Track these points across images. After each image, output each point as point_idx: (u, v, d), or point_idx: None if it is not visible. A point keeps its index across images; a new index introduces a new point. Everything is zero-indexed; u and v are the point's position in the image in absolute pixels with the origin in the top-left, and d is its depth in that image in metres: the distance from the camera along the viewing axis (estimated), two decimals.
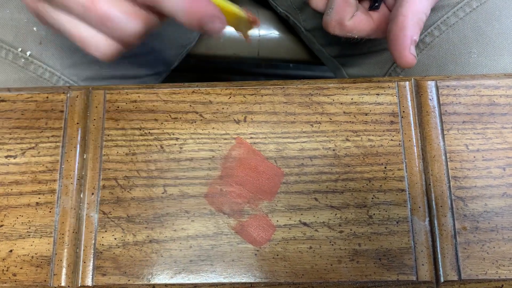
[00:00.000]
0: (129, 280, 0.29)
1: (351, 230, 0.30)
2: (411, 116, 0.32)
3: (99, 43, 0.24)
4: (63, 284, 0.30)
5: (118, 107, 0.33)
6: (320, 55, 0.50)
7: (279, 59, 0.62)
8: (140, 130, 0.32)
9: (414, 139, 0.31)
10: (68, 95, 0.33)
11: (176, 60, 0.48)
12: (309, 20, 0.47)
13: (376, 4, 0.36)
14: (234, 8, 0.29)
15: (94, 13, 0.23)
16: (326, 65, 0.52)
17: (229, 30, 0.62)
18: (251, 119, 0.32)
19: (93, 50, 0.25)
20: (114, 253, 0.30)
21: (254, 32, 0.61)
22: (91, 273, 0.30)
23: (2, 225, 0.31)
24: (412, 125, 0.32)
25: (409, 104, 0.32)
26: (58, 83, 0.37)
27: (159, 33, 0.43)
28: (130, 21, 0.23)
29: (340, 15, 0.33)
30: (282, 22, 0.57)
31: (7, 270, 0.30)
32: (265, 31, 0.60)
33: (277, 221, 0.30)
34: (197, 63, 1.05)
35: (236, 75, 1.12)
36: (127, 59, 0.41)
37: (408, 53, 0.30)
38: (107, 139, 0.32)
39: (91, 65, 0.38)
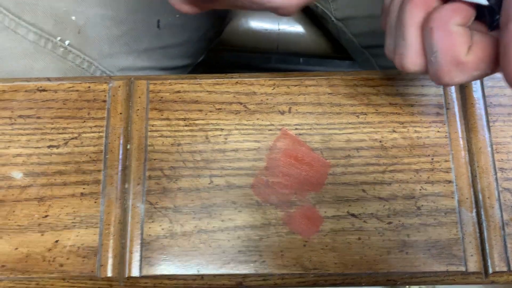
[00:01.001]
0: (178, 271, 0.29)
1: (399, 221, 0.30)
2: (456, 107, 0.32)
3: None
4: (110, 275, 0.29)
5: (161, 97, 0.32)
6: (349, 46, 0.50)
7: (298, 52, 0.62)
8: (184, 120, 0.32)
9: (459, 131, 0.31)
10: (110, 85, 0.33)
11: (203, 53, 0.48)
12: (342, 9, 0.47)
13: (497, 17, 0.22)
14: None
15: None
16: (353, 56, 0.52)
17: (249, 24, 0.62)
18: (296, 110, 0.32)
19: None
20: (162, 243, 0.30)
21: (274, 25, 0.60)
22: (138, 264, 0.29)
23: (47, 216, 0.30)
24: (458, 117, 0.32)
25: (454, 96, 0.32)
26: (96, 73, 0.37)
27: (191, 24, 0.42)
28: None
29: (452, 53, 0.22)
30: (304, 14, 0.57)
31: (53, 261, 0.30)
32: (285, 25, 0.60)
33: (325, 212, 0.30)
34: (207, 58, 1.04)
35: (244, 69, 1.12)
36: (161, 50, 0.40)
37: None
38: (151, 129, 0.32)
39: (127, 55, 0.38)
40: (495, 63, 0.22)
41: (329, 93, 0.32)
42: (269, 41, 0.61)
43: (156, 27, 0.39)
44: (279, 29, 0.60)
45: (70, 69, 0.36)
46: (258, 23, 0.60)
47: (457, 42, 0.21)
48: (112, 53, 0.37)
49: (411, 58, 0.23)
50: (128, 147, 0.32)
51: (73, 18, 0.34)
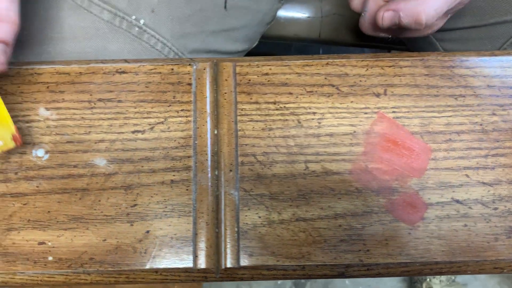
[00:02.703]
0: (278, 261, 0.28)
1: (505, 206, 0.29)
2: None
3: None
4: (206, 266, 0.28)
5: (249, 80, 0.31)
6: None
7: (340, 41, 0.60)
8: (275, 104, 0.30)
9: None
10: (195, 67, 0.31)
11: (258, 38, 0.46)
12: None
13: None
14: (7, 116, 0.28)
15: None
16: (407, 41, 0.50)
17: (290, 12, 0.60)
18: (392, 92, 0.31)
19: None
20: (259, 232, 0.28)
21: (317, 12, 0.59)
22: (236, 254, 0.28)
23: (135, 205, 0.29)
24: None
25: None
26: (169, 55, 0.35)
27: (252, 6, 0.41)
28: None
29: (373, 18, 0.36)
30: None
31: (145, 252, 0.28)
32: (328, 11, 0.58)
33: (429, 198, 0.29)
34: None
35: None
36: (225, 32, 0.39)
37: None
38: (241, 114, 0.30)
39: (196, 36, 0.36)
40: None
41: (425, 75, 0.31)
42: (311, 29, 0.59)
43: (223, 8, 0.37)
44: (322, 15, 0.58)
45: (144, 51, 0.34)
46: (300, 10, 0.58)
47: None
48: (183, 34, 0.35)
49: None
50: (216, 132, 0.30)
51: None
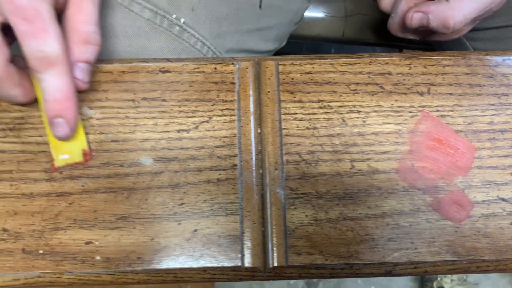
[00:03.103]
0: (326, 260, 0.28)
1: None
2: None
3: None
4: (254, 265, 0.28)
5: (292, 79, 0.31)
6: None
7: (363, 41, 0.60)
8: (318, 102, 0.30)
9: None
10: (237, 66, 0.31)
11: (287, 38, 0.46)
12: None
13: None
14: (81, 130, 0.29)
15: None
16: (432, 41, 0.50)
17: (314, 11, 0.60)
18: (435, 90, 0.31)
19: None
20: (307, 231, 0.28)
21: (341, 11, 0.59)
22: (284, 253, 0.28)
23: (182, 203, 0.29)
24: None
25: None
26: (208, 54, 0.35)
27: (284, 6, 0.41)
28: None
29: (402, 19, 0.37)
30: (374, 1, 0.55)
31: (193, 251, 0.28)
32: (352, 11, 0.58)
33: (474, 197, 0.29)
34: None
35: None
36: (258, 32, 0.39)
37: None
38: (284, 112, 0.30)
39: (232, 36, 0.36)
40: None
41: (468, 73, 0.31)
42: (335, 28, 0.59)
43: (258, 7, 0.37)
44: (346, 15, 0.58)
45: (184, 50, 0.34)
46: (324, 10, 0.58)
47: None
48: (220, 33, 0.35)
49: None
50: (259, 131, 0.30)
51: None
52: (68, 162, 0.29)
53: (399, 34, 0.41)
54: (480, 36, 0.42)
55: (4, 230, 0.28)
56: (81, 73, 0.26)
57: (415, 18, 0.36)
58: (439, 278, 1.02)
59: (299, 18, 0.46)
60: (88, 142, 0.29)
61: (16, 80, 0.26)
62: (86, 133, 0.30)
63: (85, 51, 0.26)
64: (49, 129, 0.28)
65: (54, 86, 0.25)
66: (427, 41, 0.42)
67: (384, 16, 0.45)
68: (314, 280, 1.02)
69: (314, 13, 0.59)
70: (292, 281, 1.02)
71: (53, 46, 0.23)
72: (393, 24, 0.40)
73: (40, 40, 0.23)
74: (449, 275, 1.03)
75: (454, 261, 0.28)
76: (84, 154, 0.29)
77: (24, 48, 0.24)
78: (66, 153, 0.29)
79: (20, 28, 0.23)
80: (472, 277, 1.04)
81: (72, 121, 0.27)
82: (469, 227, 0.28)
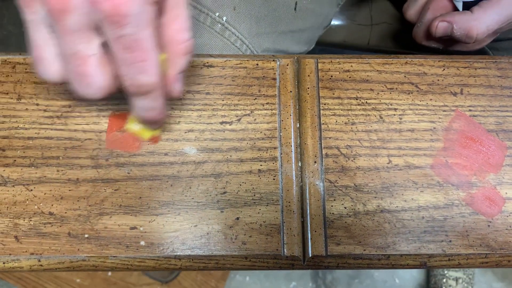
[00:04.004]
0: (364, 250, 0.29)
1: None
2: None
3: None
4: (294, 253, 0.29)
5: (331, 76, 0.32)
6: None
7: (386, 50, 0.62)
8: (356, 99, 0.32)
9: None
10: (278, 63, 0.32)
11: (315, 41, 0.47)
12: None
13: None
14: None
15: None
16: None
17: (340, 19, 0.61)
18: (468, 91, 0.32)
19: None
20: (345, 222, 0.29)
21: (367, 20, 0.60)
22: (323, 243, 0.29)
23: (225, 192, 0.30)
24: None
25: None
26: (246, 52, 0.36)
27: (317, 10, 0.42)
28: None
29: (428, 28, 0.39)
30: (398, 10, 0.57)
31: (235, 238, 0.29)
32: (379, 19, 0.59)
33: (506, 193, 0.30)
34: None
35: None
36: (291, 34, 0.40)
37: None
38: (324, 108, 0.31)
39: (269, 36, 0.37)
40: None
41: (499, 76, 0.32)
42: (361, 35, 0.60)
43: (293, 9, 0.39)
44: (372, 23, 0.59)
45: (225, 47, 0.35)
46: (351, 17, 0.60)
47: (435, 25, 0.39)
48: (258, 32, 0.36)
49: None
50: (298, 125, 0.31)
51: None
52: (135, 133, 0.30)
53: (423, 43, 0.43)
54: (503, 46, 0.44)
55: (51, 214, 0.29)
56: (178, 84, 0.26)
57: (440, 27, 0.37)
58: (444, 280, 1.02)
59: (327, 23, 0.47)
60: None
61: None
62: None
63: (184, 62, 0.26)
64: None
65: (147, 107, 0.25)
66: (449, 51, 0.43)
67: (408, 26, 0.46)
68: (320, 274, 1.02)
69: (340, 20, 0.60)
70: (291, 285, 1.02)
71: (150, 76, 0.23)
72: (418, 33, 0.42)
73: (139, 70, 0.22)
74: (455, 284, 1.03)
75: (487, 254, 0.29)
76: (153, 138, 0.30)
77: (121, 72, 0.23)
78: (141, 125, 0.30)
79: (119, 55, 0.22)
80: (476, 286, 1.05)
81: (160, 124, 0.29)
82: (501, 222, 0.29)
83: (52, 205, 0.29)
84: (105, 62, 0.23)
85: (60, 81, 0.24)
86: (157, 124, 0.29)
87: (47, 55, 0.23)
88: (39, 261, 0.28)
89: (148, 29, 0.22)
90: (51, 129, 0.31)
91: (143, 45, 0.22)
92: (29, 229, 0.29)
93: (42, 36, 0.23)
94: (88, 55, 0.22)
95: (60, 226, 0.29)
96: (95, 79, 0.23)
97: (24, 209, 0.29)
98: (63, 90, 0.31)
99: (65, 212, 0.29)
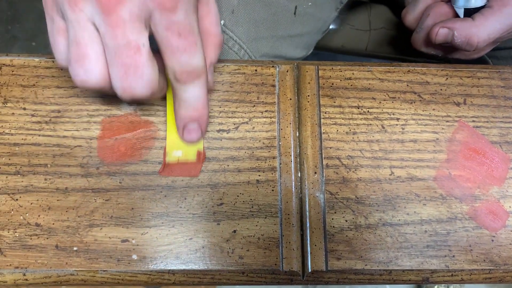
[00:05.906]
0: (366, 265, 0.28)
1: None
2: None
3: None
4: (294, 268, 0.28)
5: (332, 83, 0.31)
6: None
7: (384, 55, 0.61)
8: (358, 108, 0.31)
9: None
10: (278, 69, 0.31)
11: (313, 46, 0.46)
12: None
13: None
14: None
15: None
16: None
17: (339, 23, 0.60)
18: (471, 102, 0.31)
19: None
20: (346, 235, 0.28)
21: (366, 25, 0.59)
22: (324, 257, 0.28)
23: (222, 204, 0.28)
24: None
25: None
26: (244, 57, 0.35)
27: (316, 14, 0.41)
28: None
29: (427, 34, 0.39)
30: (397, 15, 0.56)
31: (232, 252, 0.28)
32: (377, 25, 0.59)
33: (510, 207, 0.29)
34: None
35: None
36: (290, 38, 0.39)
37: None
38: (324, 117, 0.30)
39: (267, 40, 0.36)
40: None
41: (502, 86, 0.32)
42: (359, 41, 0.60)
43: (293, 14, 0.38)
44: (370, 29, 0.59)
45: (223, 52, 0.34)
46: (349, 22, 0.59)
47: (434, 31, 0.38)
48: (257, 37, 0.35)
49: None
50: (297, 134, 0.30)
51: None
52: (180, 160, 0.28)
53: (422, 49, 0.42)
54: (503, 54, 0.44)
55: (37, 225, 0.27)
56: (211, 75, 0.27)
57: (440, 34, 0.37)
58: None
59: (326, 27, 0.46)
60: (204, 144, 0.29)
61: (163, 88, 0.26)
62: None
63: (217, 54, 0.27)
64: (179, 132, 0.28)
65: (195, 96, 0.25)
66: (448, 59, 0.43)
67: (406, 31, 0.46)
68: None
69: (338, 25, 0.59)
70: None
71: (201, 59, 0.24)
72: (418, 39, 0.41)
73: (191, 54, 0.23)
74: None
75: (490, 270, 0.28)
76: (198, 154, 0.28)
77: (171, 61, 0.23)
78: (181, 149, 0.28)
79: (172, 43, 0.23)
80: None
81: (204, 126, 0.27)
82: (505, 236, 0.29)
83: (39, 215, 0.28)
84: (153, 57, 0.23)
85: (100, 81, 0.24)
86: (198, 133, 0.27)
87: (91, 53, 0.23)
88: (24, 275, 0.27)
89: (196, 14, 0.23)
90: (39, 135, 0.29)
91: (194, 30, 0.23)
92: (14, 241, 0.27)
93: (87, 35, 0.23)
94: (141, 44, 0.22)
95: (47, 238, 0.27)
96: (147, 70, 0.23)
97: (9, 219, 0.27)
98: (99, 95, 0.30)
99: (53, 224, 0.28)
